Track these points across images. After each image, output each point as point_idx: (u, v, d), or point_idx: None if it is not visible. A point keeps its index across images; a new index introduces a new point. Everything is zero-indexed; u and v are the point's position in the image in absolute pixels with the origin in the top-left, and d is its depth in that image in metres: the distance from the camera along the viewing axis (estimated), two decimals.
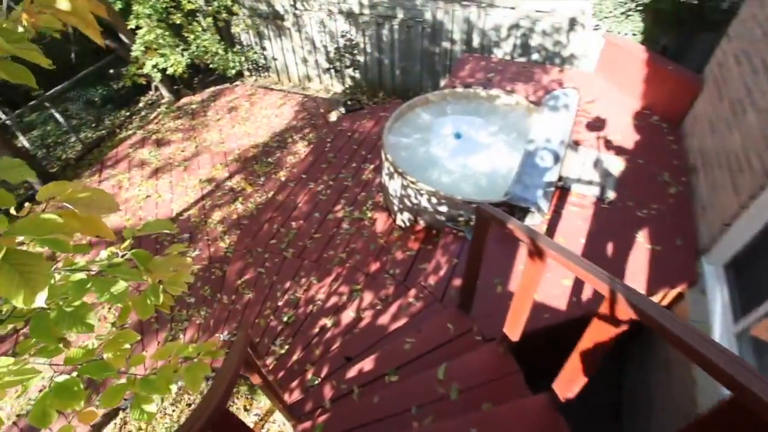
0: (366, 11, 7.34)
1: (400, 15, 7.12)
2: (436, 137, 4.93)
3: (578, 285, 3.25)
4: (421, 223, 4.55)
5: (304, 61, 8.53)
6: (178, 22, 6.84)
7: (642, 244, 3.48)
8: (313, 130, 7.12)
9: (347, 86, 8.40)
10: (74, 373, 1.50)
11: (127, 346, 2.05)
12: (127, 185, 6.63)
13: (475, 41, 6.71)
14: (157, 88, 8.74)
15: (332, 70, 8.26)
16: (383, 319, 3.65)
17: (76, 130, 7.99)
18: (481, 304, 3.26)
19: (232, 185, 6.30)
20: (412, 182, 4.13)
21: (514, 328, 2.61)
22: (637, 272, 3.29)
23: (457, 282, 3.66)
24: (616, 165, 4.20)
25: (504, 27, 6.32)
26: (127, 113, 8.66)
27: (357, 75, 8.17)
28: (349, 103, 7.48)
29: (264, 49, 8.73)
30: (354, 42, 7.65)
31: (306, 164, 6.17)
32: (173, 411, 4.12)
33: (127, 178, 6.74)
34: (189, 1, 6.87)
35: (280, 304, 4.52)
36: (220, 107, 8.16)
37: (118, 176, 6.82)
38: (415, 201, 4.32)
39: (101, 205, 1.21)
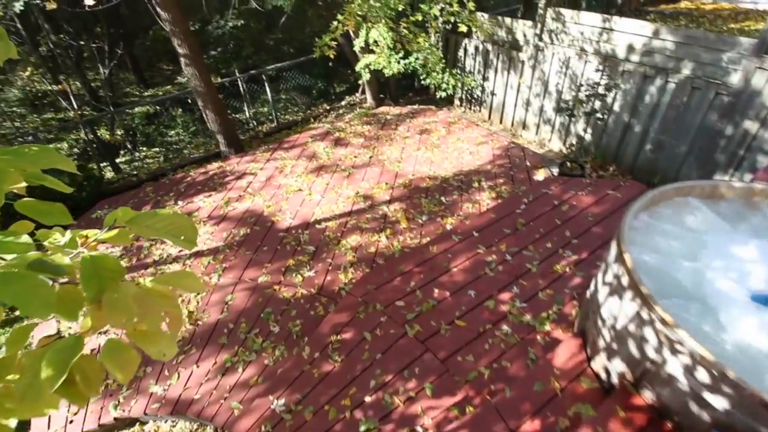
0: (634, 58, 5.46)
1: (686, 70, 5.03)
2: (718, 257, 2.77)
3: None
4: (647, 396, 2.46)
5: (527, 104, 7.05)
6: (404, 27, 6.16)
7: None
8: (509, 183, 5.51)
9: (569, 145, 6.58)
10: None
11: None
12: (288, 171, 6.14)
13: None
14: (364, 91, 8.46)
15: (559, 116, 6.55)
16: None
17: (277, 108, 8.19)
18: None
19: (387, 212, 5.14)
20: (666, 323, 2.14)
21: None
22: None
23: None
24: None
25: None
26: (328, 107, 8.58)
27: (588, 135, 6.28)
28: (567, 164, 5.64)
29: (485, 79, 7.59)
30: (602, 92, 5.82)
31: (484, 220, 4.59)
32: None
33: (291, 165, 6.28)
34: (422, 10, 6.14)
35: (367, 399, 3.01)
36: (413, 126, 7.27)
37: (285, 160, 6.43)
38: (653, 355, 2.30)
39: None
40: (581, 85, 6.05)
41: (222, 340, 3.80)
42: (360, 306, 3.72)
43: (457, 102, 8.48)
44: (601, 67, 5.76)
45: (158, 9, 5.78)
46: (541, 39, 6.44)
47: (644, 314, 2.30)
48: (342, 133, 7.13)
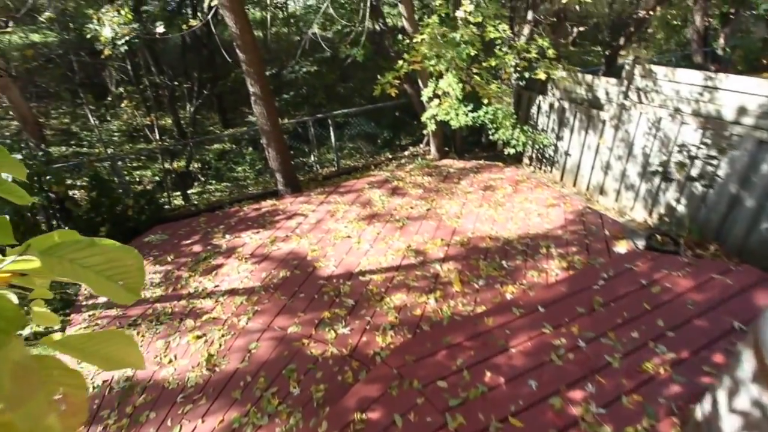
0: (746, 120, 4.68)
1: None
2: None
3: None
4: None
5: (606, 167, 6.34)
6: (475, 72, 5.89)
7: None
8: (583, 252, 4.78)
9: (657, 215, 5.72)
10: None
11: None
12: (339, 216, 5.87)
13: None
14: (428, 143, 8.23)
15: (645, 182, 5.77)
16: None
17: (341, 153, 8.16)
18: None
19: (439, 271, 4.60)
20: None
21: None
22: None
23: None
24: None
25: None
26: (390, 156, 8.42)
27: (681, 206, 5.41)
28: (657, 237, 4.82)
29: (559, 138, 7.03)
30: (702, 158, 5.03)
31: (552, 294, 3.89)
32: None
33: (344, 210, 6.01)
34: (496, 56, 5.85)
35: None
36: (477, 181, 6.80)
37: (339, 204, 6.19)
38: None
39: None
40: (679, 147, 5.30)
41: (236, 395, 3.36)
42: (394, 380, 3.14)
43: (526, 160, 7.93)
44: (701, 131, 5.01)
45: (238, 51, 6.05)
46: (626, 97, 5.84)
47: None
48: (400, 182, 6.83)
